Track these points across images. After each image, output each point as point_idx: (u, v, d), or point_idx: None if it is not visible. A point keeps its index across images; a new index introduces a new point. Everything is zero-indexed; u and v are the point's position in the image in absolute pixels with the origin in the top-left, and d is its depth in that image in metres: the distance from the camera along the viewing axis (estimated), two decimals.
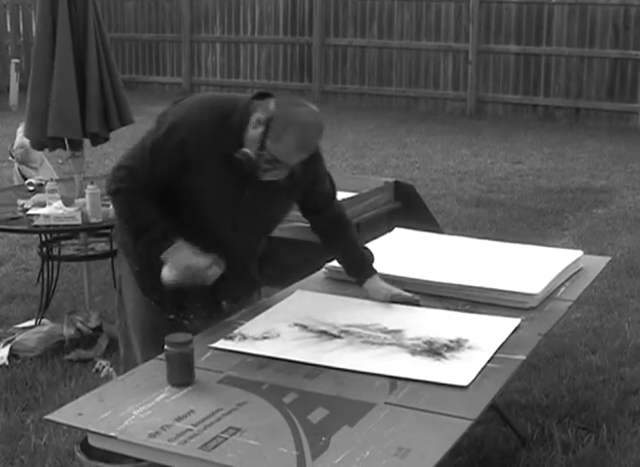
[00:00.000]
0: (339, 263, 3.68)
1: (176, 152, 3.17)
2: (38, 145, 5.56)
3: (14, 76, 14.24)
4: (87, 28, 5.27)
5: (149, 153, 3.21)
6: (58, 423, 2.67)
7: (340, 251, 3.65)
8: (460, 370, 2.87)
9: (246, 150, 3.14)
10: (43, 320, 5.41)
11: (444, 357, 2.98)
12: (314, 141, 3.22)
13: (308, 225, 3.76)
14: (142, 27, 16.85)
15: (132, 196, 3.25)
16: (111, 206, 5.05)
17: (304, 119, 3.15)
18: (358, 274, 3.59)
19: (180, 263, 3.21)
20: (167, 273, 3.24)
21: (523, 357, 3.03)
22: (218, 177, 3.22)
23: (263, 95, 3.24)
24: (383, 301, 3.48)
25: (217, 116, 3.19)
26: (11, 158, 7.14)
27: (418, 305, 3.46)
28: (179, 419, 2.52)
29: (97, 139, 5.54)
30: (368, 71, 15.01)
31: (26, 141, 6.83)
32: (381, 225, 4.86)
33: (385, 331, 3.20)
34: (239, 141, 3.17)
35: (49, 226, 5.00)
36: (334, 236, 3.64)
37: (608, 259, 4.35)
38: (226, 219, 3.33)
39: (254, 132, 3.15)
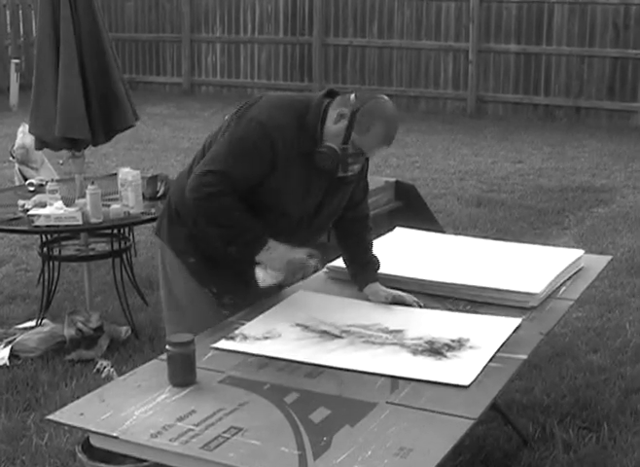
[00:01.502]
0: (345, 262, 3.68)
1: (267, 151, 3.16)
2: (41, 144, 5.55)
3: (14, 76, 14.23)
4: (90, 28, 5.27)
5: (239, 153, 3.18)
6: (59, 423, 2.67)
7: (352, 252, 3.65)
8: (461, 369, 2.87)
9: (330, 144, 3.17)
10: (44, 320, 5.41)
11: (446, 357, 2.98)
12: (395, 133, 3.27)
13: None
14: (142, 27, 16.84)
15: (225, 199, 3.19)
16: (112, 206, 5.08)
17: (390, 111, 3.23)
18: (360, 279, 3.59)
19: (280, 261, 3.23)
20: (263, 275, 3.24)
21: (524, 356, 3.03)
22: (298, 176, 3.24)
23: (332, 93, 3.28)
24: (383, 302, 3.48)
25: (295, 116, 3.21)
26: (11, 158, 7.15)
27: (420, 306, 3.47)
28: (180, 419, 2.52)
29: (98, 139, 5.54)
30: (368, 71, 15.00)
31: (27, 141, 6.85)
32: (382, 224, 4.86)
33: (386, 331, 3.20)
34: (315, 139, 3.19)
35: (49, 226, 5.00)
36: (351, 236, 3.65)
37: (609, 258, 4.36)
38: (302, 216, 3.36)
39: (336, 127, 3.18)
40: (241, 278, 3.39)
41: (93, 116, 5.31)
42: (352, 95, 3.22)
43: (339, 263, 3.73)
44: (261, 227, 3.24)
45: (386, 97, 3.28)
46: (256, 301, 3.46)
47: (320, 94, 3.28)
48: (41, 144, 5.54)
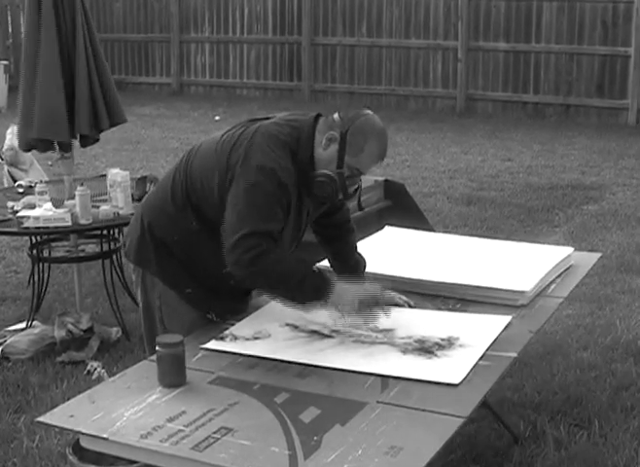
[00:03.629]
0: (331, 265, 3.67)
1: (282, 196, 3.04)
2: (27, 146, 5.53)
3: (2, 77, 14.21)
4: (75, 28, 5.26)
5: (264, 206, 3.00)
6: (50, 425, 2.66)
7: (337, 255, 3.63)
8: (451, 368, 2.87)
9: (326, 172, 3.09)
10: (34, 322, 5.39)
11: (436, 355, 2.98)
12: (387, 146, 3.24)
13: None
14: (131, 28, 16.83)
15: (272, 255, 2.99)
16: (101, 207, 5.07)
17: (379, 125, 3.19)
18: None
19: (352, 301, 3.08)
20: (338, 316, 3.12)
21: (515, 354, 3.03)
22: (294, 208, 3.17)
23: (316, 117, 3.20)
24: None
25: (290, 154, 3.09)
26: (0, 160, 7.13)
27: (410, 306, 3.46)
28: (171, 420, 2.52)
29: (87, 140, 5.53)
30: (357, 70, 15.02)
31: (16, 143, 6.83)
32: (372, 223, 4.86)
33: (376, 330, 3.20)
34: (307, 170, 3.12)
35: (39, 228, 4.99)
36: (335, 240, 3.62)
37: (599, 255, 4.36)
38: (292, 239, 3.30)
39: (327, 153, 3.11)
40: (242, 298, 3.41)
41: (81, 118, 5.29)
42: (336, 116, 3.14)
43: (327, 263, 3.72)
44: (320, 270, 3.14)
45: (370, 111, 3.21)
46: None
47: (309, 123, 3.17)
48: (27, 145, 5.52)
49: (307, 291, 3.07)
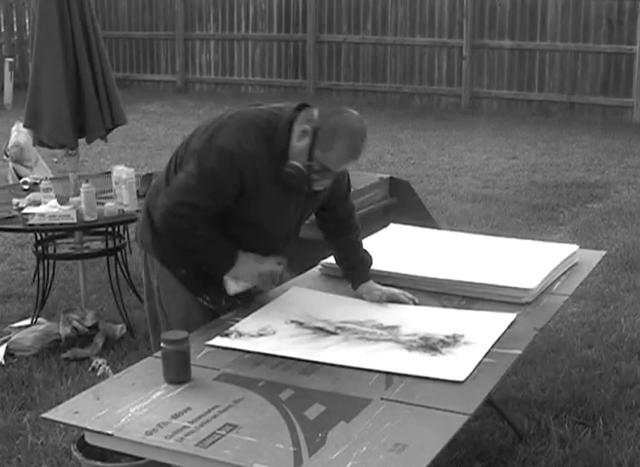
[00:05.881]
0: (337, 262, 3.68)
1: (235, 179, 3.15)
2: (38, 142, 5.56)
3: (8, 75, 14.20)
4: (81, 27, 5.26)
5: (210, 184, 3.16)
6: (55, 422, 2.67)
7: (341, 252, 3.65)
8: (456, 365, 2.87)
9: (295, 162, 3.15)
10: (39, 319, 5.40)
11: (440, 352, 2.98)
12: (362, 147, 3.20)
13: (305, 222, 3.77)
14: (136, 25, 16.82)
15: (196, 230, 3.22)
16: (106, 204, 5.08)
17: (352, 126, 3.16)
18: (353, 278, 3.59)
19: (251, 274, 3.25)
20: (233, 286, 3.26)
21: (519, 352, 3.03)
22: (274, 197, 3.24)
23: (301, 107, 3.24)
24: (378, 301, 3.48)
25: (264, 140, 3.17)
26: (5, 157, 7.13)
27: (415, 303, 3.47)
28: (175, 417, 2.52)
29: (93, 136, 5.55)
30: (362, 67, 15.00)
31: (21, 140, 6.85)
32: (377, 221, 4.86)
33: (381, 327, 3.21)
34: (286, 158, 3.18)
35: (44, 224, 4.99)
36: (337, 236, 3.65)
37: (603, 253, 4.36)
38: (281, 230, 3.40)
39: (300, 144, 3.16)
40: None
41: (90, 119, 5.32)
42: (315, 111, 3.19)
43: (333, 259, 3.72)
44: (230, 247, 3.27)
45: (352, 111, 3.21)
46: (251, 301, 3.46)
47: (290, 111, 3.22)
48: (36, 141, 5.55)
49: (210, 264, 3.30)
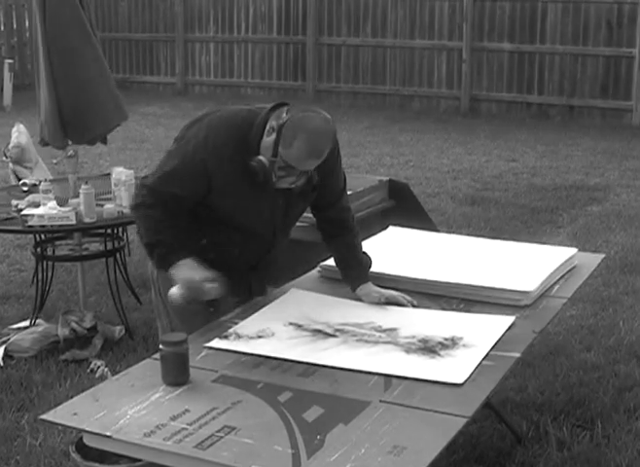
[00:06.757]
0: (336, 264, 3.68)
1: (200, 174, 3.25)
2: (42, 143, 5.59)
3: (7, 76, 14.20)
4: (79, 27, 5.27)
5: (171, 174, 3.28)
6: (53, 423, 2.67)
7: (338, 253, 3.66)
8: (455, 367, 2.87)
9: (260, 157, 3.22)
10: (37, 320, 5.40)
11: (439, 355, 2.98)
12: (324, 147, 3.22)
13: (304, 224, 3.77)
14: (136, 27, 16.82)
15: (150, 211, 3.30)
16: (106, 206, 5.09)
17: (314, 125, 3.19)
18: (352, 280, 3.59)
19: (181, 281, 3.22)
20: (175, 291, 3.22)
21: (518, 355, 3.03)
22: (241, 192, 3.30)
23: (279, 105, 3.31)
24: (377, 303, 3.48)
25: (236, 136, 3.27)
26: (5, 158, 7.13)
27: (414, 306, 3.47)
28: (174, 418, 2.52)
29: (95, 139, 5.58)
30: (362, 70, 15.00)
31: (21, 141, 6.85)
32: (375, 223, 4.86)
33: (380, 329, 3.21)
34: (257, 154, 3.25)
35: (43, 226, 4.99)
36: (333, 238, 3.66)
37: (602, 256, 4.36)
38: (262, 227, 3.44)
39: (267, 140, 3.23)
40: (237, 280, 3.41)
41: (95, 120, 5.34)
42: (285, 109, 3.25)
43: (332, 262, 3.73)
44: (179, 242, 3.28)
45: (321, 112, 3.25)
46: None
47: (267, 110, 3.29)
48: (41, 142, 5.58)
49: (156, 254, 3.30)
